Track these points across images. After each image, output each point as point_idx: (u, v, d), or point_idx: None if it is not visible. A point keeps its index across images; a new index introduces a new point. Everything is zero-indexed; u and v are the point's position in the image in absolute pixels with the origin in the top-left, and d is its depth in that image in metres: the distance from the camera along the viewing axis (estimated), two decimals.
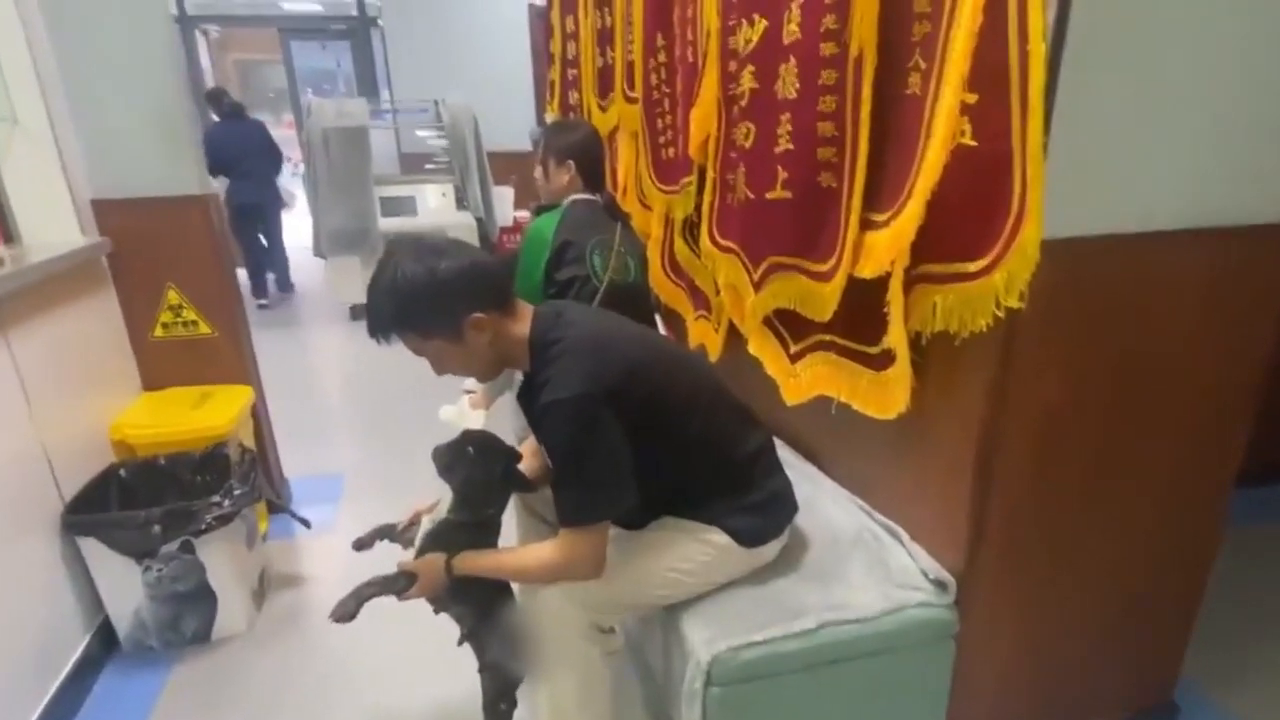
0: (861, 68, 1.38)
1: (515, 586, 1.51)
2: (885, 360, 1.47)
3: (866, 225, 1.43)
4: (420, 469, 2.82)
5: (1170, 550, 1.48)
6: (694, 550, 1.35)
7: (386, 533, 1.59)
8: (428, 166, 6.08)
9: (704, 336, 2.51)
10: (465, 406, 2.71)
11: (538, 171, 2.39)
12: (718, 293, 2.30)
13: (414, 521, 1.55)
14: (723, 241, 2.04)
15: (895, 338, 1.37)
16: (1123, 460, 1.37)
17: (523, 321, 1.32)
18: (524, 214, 5.77)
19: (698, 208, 2.28)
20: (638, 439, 1.24)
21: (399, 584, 1.39)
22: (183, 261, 2.27)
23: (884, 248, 1.34)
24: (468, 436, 1.46)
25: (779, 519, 1.42)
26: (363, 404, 3.66)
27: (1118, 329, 1.27)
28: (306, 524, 2.25)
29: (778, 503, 1.42)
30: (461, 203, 5.29)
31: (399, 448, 3.13)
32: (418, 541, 1.48)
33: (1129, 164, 1.18)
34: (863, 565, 1.43)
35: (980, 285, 1.21)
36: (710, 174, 2.10)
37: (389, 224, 5.04)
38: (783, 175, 1.64)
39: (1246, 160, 1.25)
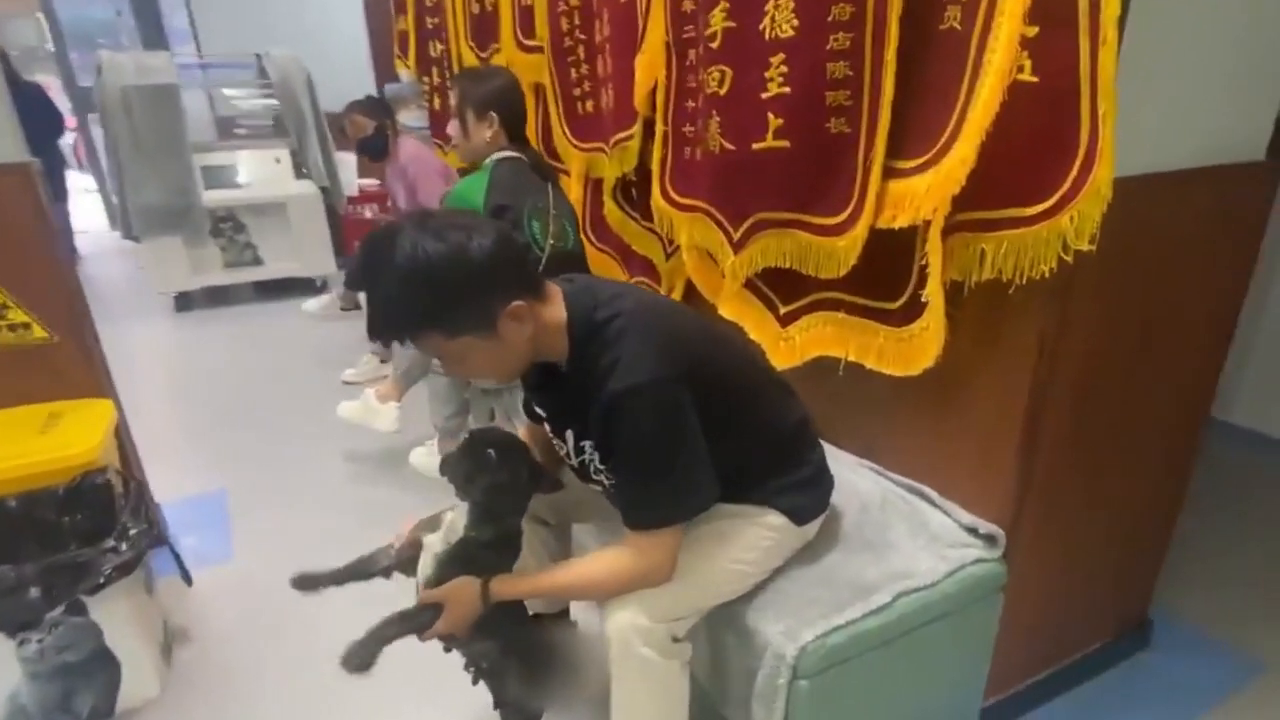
0: (887, 1, 1.28)
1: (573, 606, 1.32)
2: (908, 315, 1.41)
3: (889, 174, 1.35)
4: (317, 469, 2.49)
5: (1162, 479, 1.57)
6: (754, 536, 1.22)
7: (363, 570, 1.32)
8: (238, 130, 5.34)
9: None
10: (371, 401, 2.40)
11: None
12: (669, 256, 2.16)
13: (412, 544, 1.30)
14: (683, 200, 1.89)
15: (933, 290, 1.30)
16: (1140, 399, 1.41)
17: (554, 303, 1.11)
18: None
19: (640, 166, 2.12)
20: (702, 421, 1.09)
21: (423, 618, 1.16)
22: (1, 248, 1.77)
23: (924, 195, 1.26)
24: (482, 437, 1.23)
25: (826, 491, 1.33)
26: (226, 405, 3.15)
27: (1147, 270, 1.29)
28: (187, 578, 1.84)
29: (823, 475, 1.33)
30: (301, 170, 4.69)
31: (284, 449, 2.72)
32: (428, 569, 1.24)
33: (1174, 99, 1.18)
34: (905, 529, 1.38)
35: (1043, 230, 1.16)
36: (660, 127, 1.94)
37: (214, 197, 4.37)
38: (775, 123, 1.52)
39: (1244, 97, 1.29)
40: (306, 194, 4.62)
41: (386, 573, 1.32)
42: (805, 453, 1.31)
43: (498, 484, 1.21)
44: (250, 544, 2.18)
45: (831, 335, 1.58)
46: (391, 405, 2.42)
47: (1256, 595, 1.87)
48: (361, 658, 1.11)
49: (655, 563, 1.11)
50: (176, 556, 1.85)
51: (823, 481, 1.32)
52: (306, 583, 1.29)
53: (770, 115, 1.53)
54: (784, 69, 1.48)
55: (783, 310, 1.70)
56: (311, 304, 3.67)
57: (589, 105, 2.41)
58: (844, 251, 1.44)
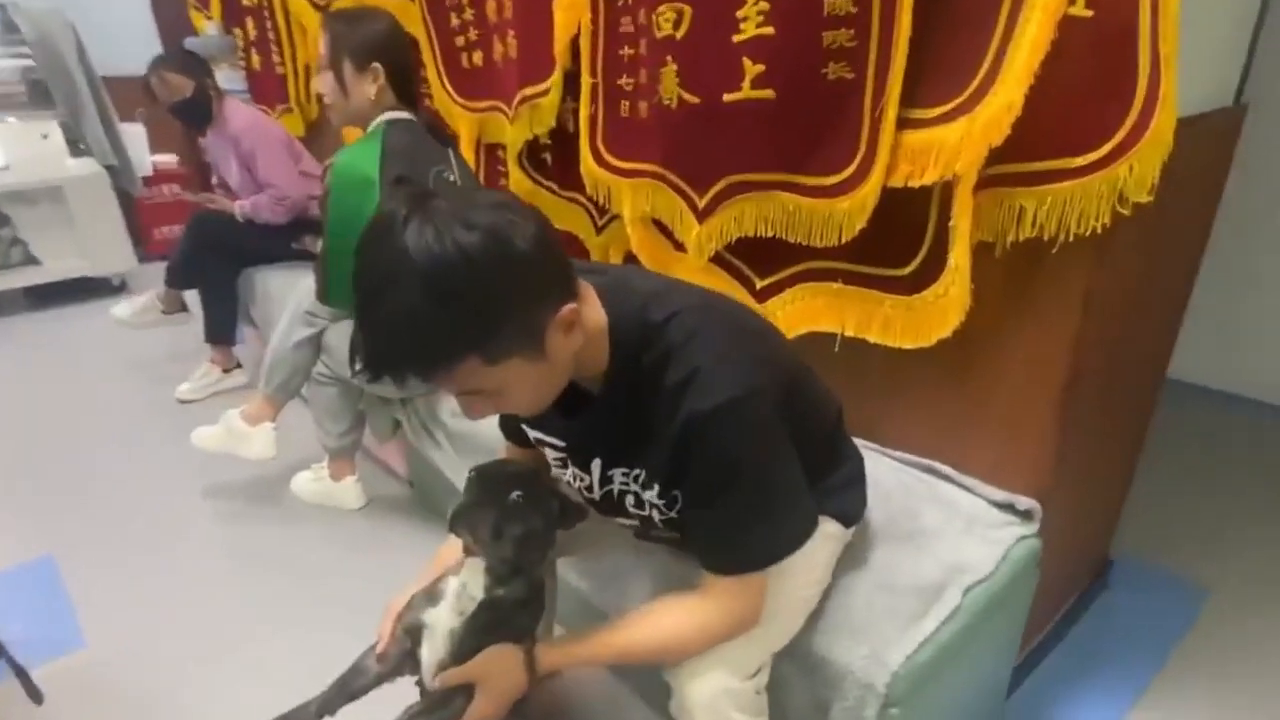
0: None
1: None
2: (920, 280, 1.29)
3: (904, 124, 1.20)
4: (168, 514, 2.06)
5: (1133, 434, 1.59)
6: (813, 552, 1.04)
7: (353, 688, 1.00)
8: None
9: None
10: (236, 423, 1.98)
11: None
12: (600, 229, 1.91)
13: (410, 632, 1.00)
14: (624, 164, 1.65)
15: (961, 253, 1.18)
16: (1134, 355, 1.39)
17: (591, 303, 0.86)
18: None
19: (555, 128, 1.85)
20: None
21: (454, 707, 0.89)
22: None
23: (957, 147, 1.12)
24: (495, 477, 0.95)
25: (865, 487, 1.18)
26: (24, 447, 2.50)
27: (1159, 217, 1.24)
28: (33, 693, 1.38)
29: (862, 466, 1.18)
30: (78, 146, 3.85)
31: (118, 493, 2.18)
32: (441, 650, 0.95)
33: (1215, 39, 1.12)
34: (936, 514, 1.27)
35: (1095, 181, 1.06)
36: (586, 80, 1.69)
37: None
38: (754, 70, 1.33)
39: (1226, 41, 1.28)
40: (87, 175, 3.80)
41: (381, 682, 1.01)
42: (846, 445, 1.15)
43: (532, 532, 0.95)
44: (103, 622, 1.71)
45: (824, 308, 1.43)
46: (265, 427, 1.99)
47: (1194, 529, 1.99)
48: None
49: (743, 613, 0.91)
50: (7, 658, 1.38)
51: (863, 474, 1.18)
52: (333, 708, 0.99)
53: (746, 61, 1.33)
54: (763, 5, 1.28)
55: (759, 284, 1.53)
56: (122, 309, 3.01)
57: (476, 56, 2.08)
58: (848, 214, 1.29)
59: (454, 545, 1.10)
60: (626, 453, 0.93)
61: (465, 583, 0.96)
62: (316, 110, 3.02)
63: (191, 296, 2.83)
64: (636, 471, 0.94)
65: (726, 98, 1.38)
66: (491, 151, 2.17)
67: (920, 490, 1.33)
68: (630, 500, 0.98)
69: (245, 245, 2.66)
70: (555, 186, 1.97)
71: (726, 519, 0.85)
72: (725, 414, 0.80)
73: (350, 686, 0.99)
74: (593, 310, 0.84)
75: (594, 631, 0.95)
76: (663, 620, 0.92)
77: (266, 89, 3.16)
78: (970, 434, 1.34)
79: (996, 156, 1.11)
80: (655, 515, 0.97)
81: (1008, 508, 1.27)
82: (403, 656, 0.99)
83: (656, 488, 0.91)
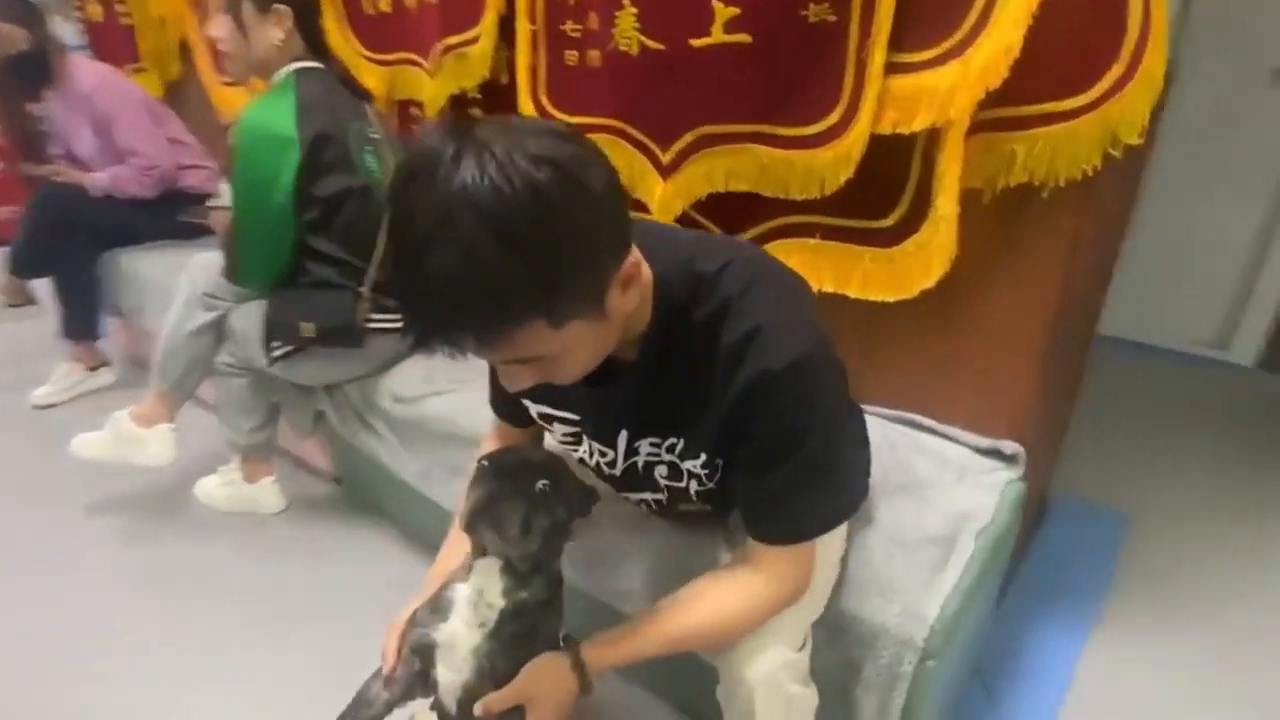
0: None
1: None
2: (901, 232, 1.27)
3: (891, 69, 1.17)
4: (42, 542, 1.82)
5: (1074, 373, 1.67)
6: None
7: (393, 699, 0.87)
8: None
9: None
10: (127, 426, 1.73)
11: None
12: None
13: (422, 651, 0.86)
14: (571, 118, 1.54)
15: (948, 202, 1.17)
16: (1088, 300, 1.45)
17: (637, 256, 0.76)
18: None
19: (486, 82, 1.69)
20: None
21: None
22: None
23: (950, 92, 1.10)
24: (515, 466, 0.83)
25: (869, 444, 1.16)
26: None
27: (1130, 164, 1.28)
28: None
29: (865, 426, 1.15)
30: None
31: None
32: (464, 669, 0.83)
33: None
34: (926, 465, 1.27)
35: (1087, 123, 1.07)
36: (525, 26, 1.55)
37: None
38: (726, 13, 1.25)
39: None
40: None
41: (391, 709, 0.87)
42: (855, 405, 1.12)
43: (558, 523, 0.84)
44: None
45: (800, 265, 1.37)
46: (162, 429, 1.74)
47: (1113, 466, 2.14)
48: None
49: (797, 582, 0.85)
50: None
51: (867, 433, 1.15)
52: None
53: (717, 4, 1.25)
54: None
55: None
56: None
57: (383, 1, 1.88)
58: (830, 166, 1.24)
59: (456, 549, 0.98)
60: (662, 421, 0.85)
61: (481, 589, 0.85)
62: (177, 68, 2.66)
63: (43, 286, 2.44)
64: (672, 441, 0.86)
65: (695, 43, 1.30)
66: (403, 110, 1.98)
67: (904, 443, 1.33)
68: (662, 472, 0.90)
69: (105, 224, 2.30)
70: None
71: (787, 485, 0.78)
72: (795, 373, 0.73)
73: (358, 718, 0.86)
74: (644, 264, 0.75)
75: (640, 622, 0.86)
76: (716, 600, 0.85)
77: (110, 44, 2.73)
78: (949, 384, 1.35)
79: (987, 101, 1.10)
80: (692, 486, 0.89)
81: (993, 453, 1.29)
82: (412, 679, 0.87)
83: (703, 456, 0.84)
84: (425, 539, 1.77)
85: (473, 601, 0.84)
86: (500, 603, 0.83)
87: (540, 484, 0.81)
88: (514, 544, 0.81)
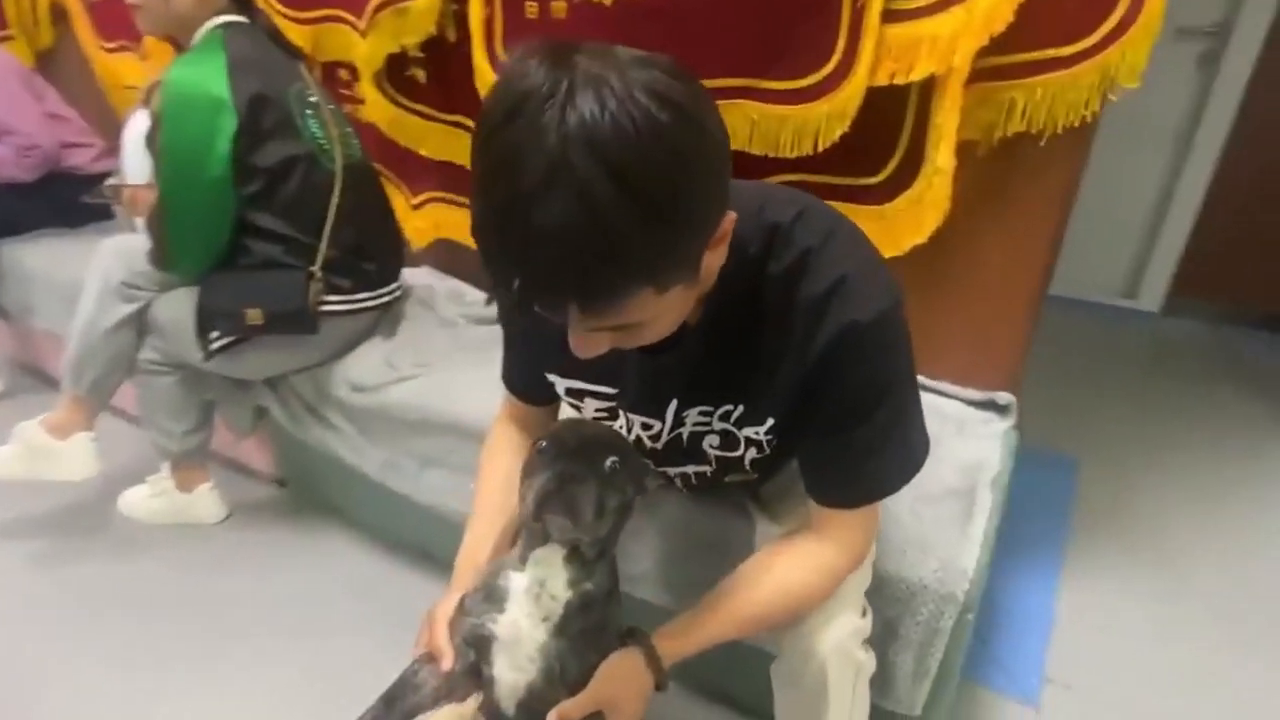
0: None
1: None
2: (893, 188, 1.26)
3: (887, 16, 1.14)
4: None
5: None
6: None
7: (444, 692, 0.77)
8: None
9: (450, 227, 1.84)
10: (40, 440, 1.56)
11: None
12: None
13: (477, 641, 0.77)
14: None
15: (946, 154, 1.16)
16: None
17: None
18: None
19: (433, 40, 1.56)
20: None
21: None
22: None
23: (951, 40, 1.08)
24: (584, 441, 0.74)
25: None
26: None
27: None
28: None
29: None
30: None
31: None
32: (532, 668, 0.74)
33: None
34: (930, 421, 1.27)
35: (1087, 69, 1.08)
36: None
37: None
38: None
39: None
40: None
41: (439, 702, 0.77)
42: None
43: (627, 504, 0.77)
44: None
45: None
46: (80, 438, 1.53)
47: (1050, 409, 2.23)
48: None
49: (863, 546, 0.82)
50: None
51: None
52: None
53: None
54: None
55: None
56: None
57: None
58: (826, 119, 1.21)
59: (484, 540, 0.89)
60: (719, 388, 0.79)
61: (542, 580, 0.76)
62: (49, 34, 2.35)
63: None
64: (727, 408, 0.80)
65: None
66: (330, 72, 1.82)
67: None
68: (712, 442, 0.85)
69: None
70: (432, 110, 1.68)
71: (865, 445, 0.75)
72: (882, 325, 0.69)
73: (403, 705, 0.77)
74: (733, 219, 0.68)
75: (709, 607, 0.80)
76: (785, 575, 0.80)
77: None
78: (941, 337, 1.35)
79: (986, 48, 1.09)
80: (749, 455, 0.84)
81: (987, 405, 1.31)
82: (463, 677, 0.78)
83: (770, 421, 0.78)
84: (390, 537, 1.65)
85: (533, 593, 0.76)
86: (565, 594, 0.76)
87: (610, 461, 0.74)
88: (587, 529, 0.73)
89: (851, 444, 0.74)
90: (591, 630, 0.76)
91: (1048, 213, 1.19)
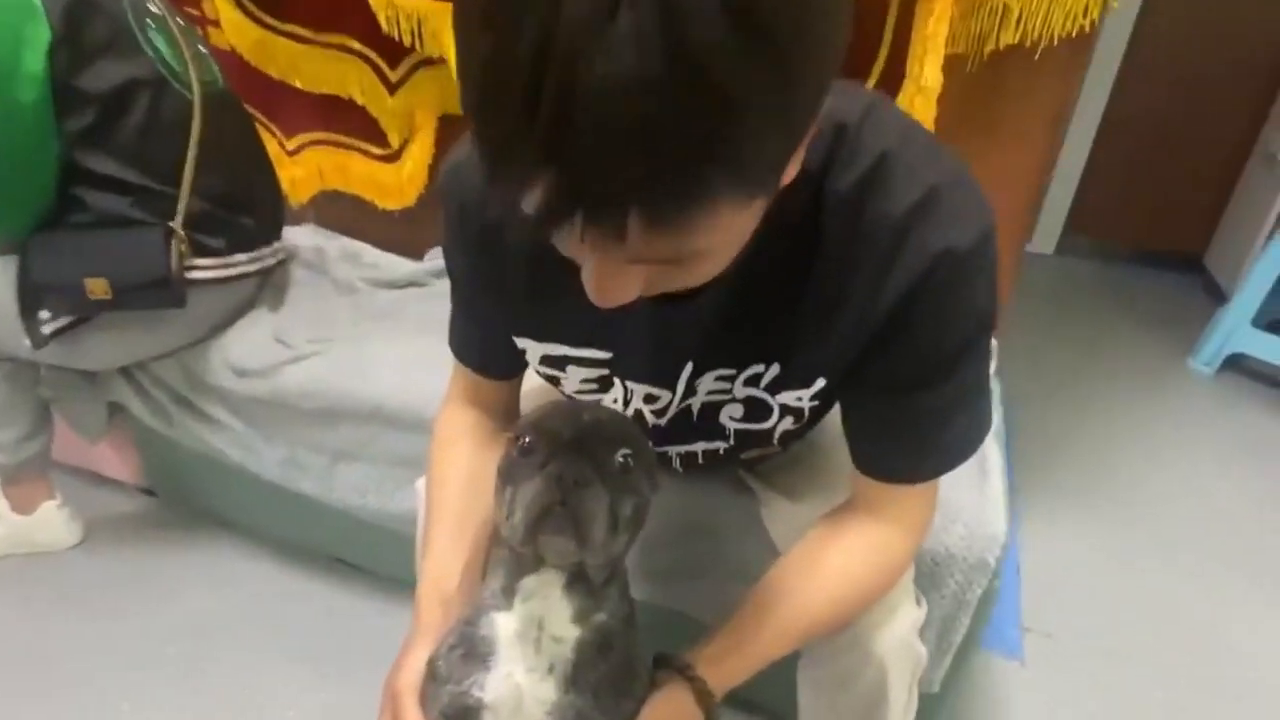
0: None
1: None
2: None
3: None
4: None
5: None
6: None
7: None
8: None
9: (336, 174, 1.57)
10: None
11: None
12: (397, 88, 1.41)
13: (424, 701, 0.57)
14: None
15: (933, 68, 1.03)
16: None
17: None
18: None
19: None
20: None
21: None
22: None
23: None
24: (589, 433, 0.53)
25: None
26: None
27: None
28: None
29: None
30: None
31: None
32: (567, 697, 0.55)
33: None
34: None
35: None
36: None
37: None
38: None
39: None
40: None
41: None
42: None
43: (642, 506, 0.57)
44: None
45: None
46: (48, 507, 1.27)
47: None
48: None
49: (926, 528, 0.68)
50: None
51: None
52: None
53: None
54: None
55: None
56: None
57: None
58: None
59: (445, 559, 0.69)
60: (749, 345, 0.62)
61: (538, 619, 0.57)
62: None
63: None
64: (756, 370, 0.63)
65: None
66: None
67: None
68: (734, 413, 0.68)
69: None
70: (308, 31, 1.39)
71: (943, 406, 0.60)
72: (983, 252, 0.54)
73: None
74: None
75: (756, 620, 0.64)
76: (847, 570, 0.65)
77: None
78: None
79: None
80: (784, 426, 0.67)
81: None
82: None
83: (821, 382, 0.62)
84: (297, 549, 1.40)
85: (530, 638, 0.57)
86: (573, 633, 0.57)
87: (621, 455, 0.55)
88: (597, 550, 0.54)
89: (928, 405, 0.60)
90: (615, 674, 0.58)
91: (1039, 137, 1.10)
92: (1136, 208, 2.89)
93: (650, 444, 0.62)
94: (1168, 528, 1.61)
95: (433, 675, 0.60)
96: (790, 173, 0.46)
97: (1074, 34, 1.01)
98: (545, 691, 0.57)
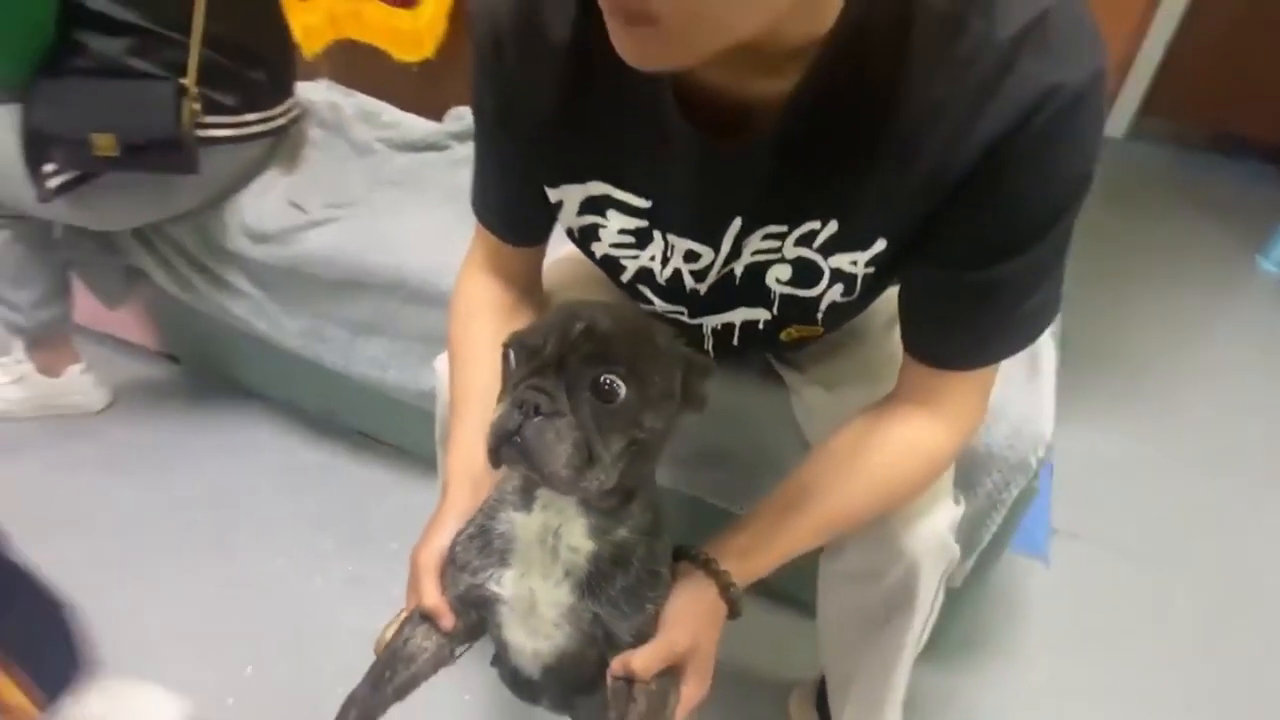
0: None
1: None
2: None
3: None
4: None
5: None
6: None
7: (401, 680, 0.57)
8: None
9: (351, 22, 1.46)
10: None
11: None
12: None
13: (477, 601, 0.55)
14: None
15: None
16: None
17: None
18: None
19: None
20: None
21: (668, 703, 0.54)
22: None
23: None
24: (579, 344, 0.47)
25: None
26: None
27: None
28: None
29: None
30: None
31: None
32: (566, 624, 0.54)
33: None
34: None
35: None
36: None
37: None
38: None
39: None
40: None
41: (440, 663, 0.58)
42: None
43: (650, 440, 0.50)
44: None
45: None
46: (73, 371, 1.28)
47: None
48: None
49: (977, 420, 0.63)
50: None
51: None
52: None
53: None
54: None
55: None
56: None
57: None
58: None
59: (475, 437, 0.65)
60: (808, 197, 0.55)
61: (554, 529, 0.54)
62: None
63: None
64: (811, 226, 0.56)
65: None
66: None
67: None
68: (781, 275, 0.60)
69: None
70: None
71: (1020, 280, 0.53)
72: (1094, 95, 0.46)
73: (395, 681, 0.56)
74: None
75: (787, 511, 0.60)
76: (889, 465, 0.60)
77: None
78: None
79: None
80: (832, 296, 0.60)
81: None
82: (468, 631, 0.58)
83: (880, 244, 0.55)
84: (323, 420, 1.40)
85: (545, 544, 0.54)
86: (588, 546, 0.54)
87: (606, 379, 0.47)
88: (564, 485, 0.48)
89: (1003, 279, 0.53)
90: (634, 584, 0.55)
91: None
92: (1219, 92, 2.63)
93: (669, 356, 0.53)
94: (1214, 438, 1.54)
95: (452, 560, 0.58)
96: None
97: None
98: (560, 596, 0.54)
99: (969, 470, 0.86)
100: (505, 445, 0.47)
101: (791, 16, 0.43)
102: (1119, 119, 2.79)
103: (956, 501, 0.71)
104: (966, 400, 0.61)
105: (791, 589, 1.02)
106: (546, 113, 0.57)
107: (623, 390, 0.47)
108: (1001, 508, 0.87)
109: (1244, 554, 1.33)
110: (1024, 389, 0.89)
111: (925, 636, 0.77)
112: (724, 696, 0.64)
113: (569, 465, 0.46)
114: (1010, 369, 0.88)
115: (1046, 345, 0.96)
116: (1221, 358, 1.78)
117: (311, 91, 1.43)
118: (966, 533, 0.90)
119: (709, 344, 0.73)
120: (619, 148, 0.57)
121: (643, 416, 0.49)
